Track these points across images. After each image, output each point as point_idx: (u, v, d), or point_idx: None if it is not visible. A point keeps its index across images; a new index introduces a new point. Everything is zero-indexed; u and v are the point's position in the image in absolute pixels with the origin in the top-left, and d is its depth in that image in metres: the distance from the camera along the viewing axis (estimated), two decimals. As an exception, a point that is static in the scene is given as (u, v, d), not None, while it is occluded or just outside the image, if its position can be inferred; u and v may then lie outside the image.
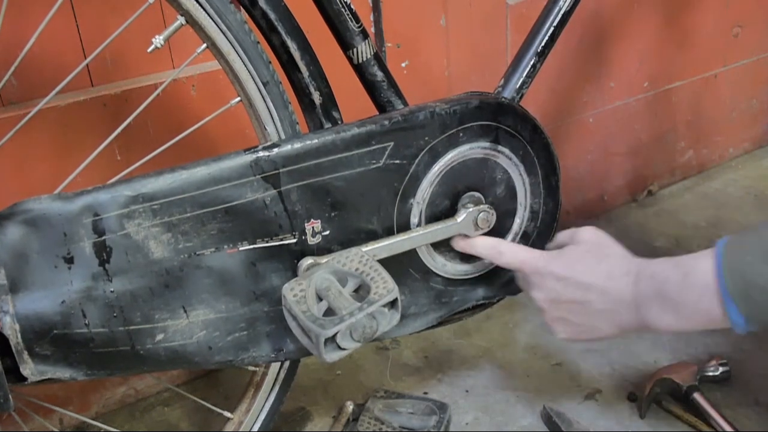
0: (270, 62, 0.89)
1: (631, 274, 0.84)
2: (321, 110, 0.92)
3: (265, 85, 0.89)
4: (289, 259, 0.90)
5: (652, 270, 0.82)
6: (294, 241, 0.90)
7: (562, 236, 0.95)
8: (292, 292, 0.85)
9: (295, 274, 0.91)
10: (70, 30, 1.12)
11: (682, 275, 0.79)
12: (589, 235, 0.91)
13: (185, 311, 0.86)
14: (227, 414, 1.03)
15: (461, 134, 0.96)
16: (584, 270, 0.87)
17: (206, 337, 0.88)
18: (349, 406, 1.24)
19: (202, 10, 0.83)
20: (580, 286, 0.87)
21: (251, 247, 0.88)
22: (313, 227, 0.91)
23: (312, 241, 0.91)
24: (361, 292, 0.87)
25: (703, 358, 1.27)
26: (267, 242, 0.89)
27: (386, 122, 0.91)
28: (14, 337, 0.78)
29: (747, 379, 1.26)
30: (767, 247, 0.72)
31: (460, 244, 0.99)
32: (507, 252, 0.95)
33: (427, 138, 0.94)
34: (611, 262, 0.86)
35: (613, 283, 0.85)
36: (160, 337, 0.86)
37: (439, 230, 0.97)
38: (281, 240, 0.89)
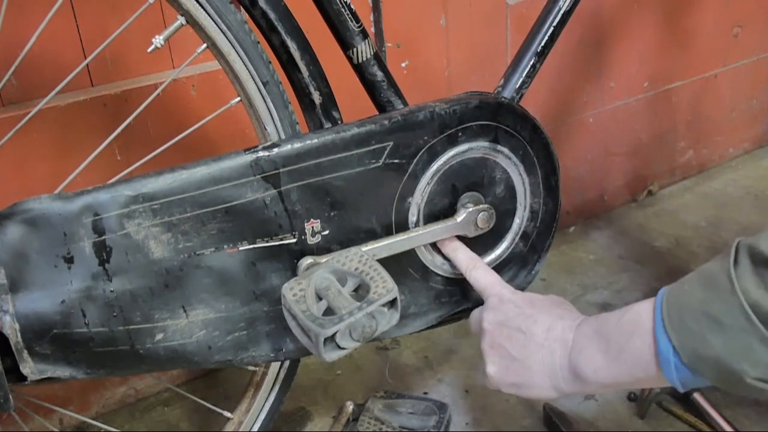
0: (270, 62, 0.89)
1: (578, 319, 0.85)
2: (321, 110, 0.92)
3: (265, 84, 0.89)
4: (289, 259, 0.90)
5: (597, 315, 0.83)
6: (294, 240, 0.90)
7: None
8: (291, 291, 0.85)
9: (294, 274, 0.91)
10: (70, 30, 1.12)
11: (621, 314, 0.78)
12: (556, 296, 0.93)
13: (185, 311, 0.86)
14: (227, 414, 1.03)
15: (460, 134, 0.96)
16: (540, 306, 0.88)
17: (206, 336, 0.88)
18: (349, 406, 1.24)
19: (202, 10, 0.83)
20: (530, 317, 0.87)
21: (251, 246, 0.88)
22: (312, 227, 0.91)
23: (312, 240, 0.91)
24: (360, 291, 0.87)
25: (703, 358, 1.27)
26: (267, 242, 0.89)
27: (386, 122, 0.91)
28: (14, 336, 0.78)
29: (747, 379, 1.26)
30: (705, 276, 0.71)
31: (445, 245, 0.99)
32: (481, 269, 0.96)
33: (426, 138, 0.94)
34: (566, 310, 0.88)
35: (561, 323, 0.85)
36: (159, 336, 0.86)
37: (439, 230, 0.97)
38: (281, 240, 0.89)
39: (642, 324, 0.75)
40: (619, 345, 0.77)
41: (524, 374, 0.86)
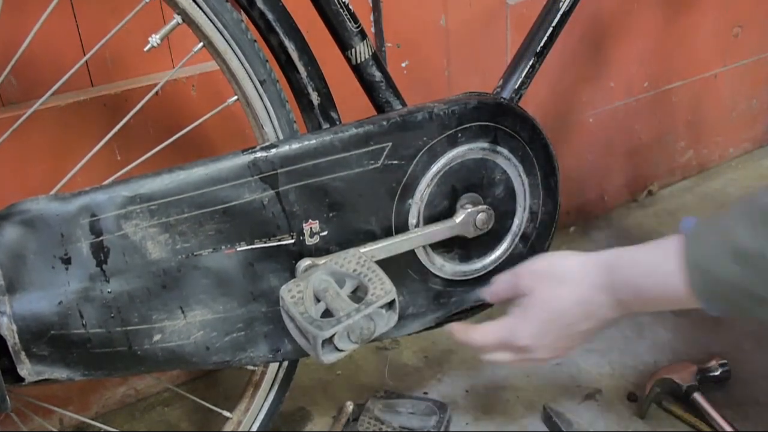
0: (267, 61, 0.89)
1: (602, 290, 0.83)
2: (319, 110, 0.92)
3: (262, 83, 0.88)
4: (287, 260, 0.90)
5: (616, 271, 0.82)
6: (292, 241, 0.90)
7: (503, 288, 0.93)
8: (289, 293, 0.85)
9: (292, 275, 0.90)
10: (69, 30, 1.12)
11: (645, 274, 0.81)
12: (531, 283, 0.88)
13: (183, 312, 0.86)
14: (226, 414, 1.03)
15: (460, 135, 0.95)
16: (556, 331, 0.86)
17: (204, 337, 0.88)
18: (349, 406, 1.24)
19: (198, 8, 0.83)
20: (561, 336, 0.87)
21: (249, 247, 0.88)
22: (311, 228, 0.90)
23: (310, 241, 0.91)
24: (358, 293, 0.87)
25: (703, 358, 1.27)
26: (265, 243, 0.88)
27: (384, 123, 0.91)
28: (11, 337, 0.78)
29: (747, 379, 1.26)
30: (739, 251, 0.69)
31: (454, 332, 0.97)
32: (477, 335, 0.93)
33: (425, 138, 0.93)
34: (572, 299, 0.85)
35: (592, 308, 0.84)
36: (157, 337, 0.85)
37: (438, 231, 0.97)
38: (279, 241, 0.89)
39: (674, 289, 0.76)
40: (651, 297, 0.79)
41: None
